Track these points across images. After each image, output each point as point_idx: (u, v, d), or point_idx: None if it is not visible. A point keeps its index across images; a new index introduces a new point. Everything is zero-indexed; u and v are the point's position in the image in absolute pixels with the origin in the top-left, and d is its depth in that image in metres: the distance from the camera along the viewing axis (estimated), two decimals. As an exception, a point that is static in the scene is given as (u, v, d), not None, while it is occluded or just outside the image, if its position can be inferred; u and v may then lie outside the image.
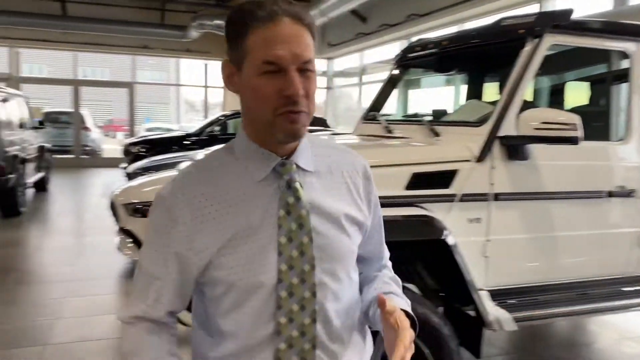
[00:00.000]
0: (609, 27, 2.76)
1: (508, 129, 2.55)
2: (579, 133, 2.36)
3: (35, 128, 9.34)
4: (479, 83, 3.44)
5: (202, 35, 14.00)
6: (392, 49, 12.44)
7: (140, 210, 5.11)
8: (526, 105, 2.56)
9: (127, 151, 10.37)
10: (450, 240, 2.29)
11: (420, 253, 2.60)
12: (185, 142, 10.65)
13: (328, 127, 11.10)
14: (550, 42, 2.61)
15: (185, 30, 14.11)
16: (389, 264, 1.30)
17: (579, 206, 2.73)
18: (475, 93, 3.40)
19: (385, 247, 1.29)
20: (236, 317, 1.01)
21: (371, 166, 2.41)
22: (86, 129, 15.79)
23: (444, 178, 2.48)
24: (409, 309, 1.11)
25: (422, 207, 2.42)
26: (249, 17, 0.94)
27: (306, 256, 1.00)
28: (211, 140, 10.43)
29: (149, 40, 14.90)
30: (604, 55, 2.89)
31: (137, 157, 9.73)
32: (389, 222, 2.25)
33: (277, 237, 0.99)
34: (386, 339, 1.02)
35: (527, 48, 2.61)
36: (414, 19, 9.89)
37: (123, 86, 15.62)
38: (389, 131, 3.33)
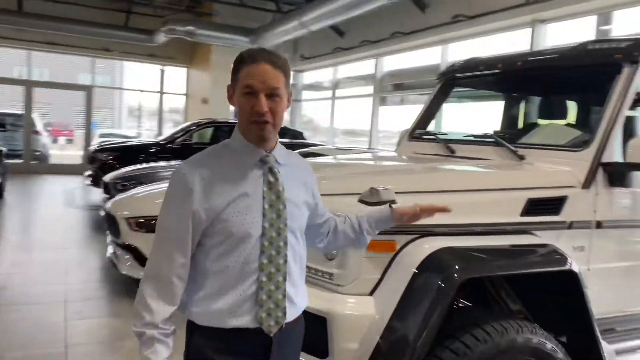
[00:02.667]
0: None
1: (609, 155, 2.49)
2: (695, 163, 2.33)
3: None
4: (547, 104, 3.39)
5: (169, 41, 13.52)
6: (366, 65, 12.50)
7: (145, 224, 4.75)
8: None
9: (92, 158, 9.71)
10: (575, 268, 2.17)
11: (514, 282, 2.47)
12: (153, 150, 10.13)
13: (305, 139, 10.95)
14: (647, 69, 2.59)
15: (151, 35, 13.56)
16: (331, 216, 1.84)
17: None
18: (544, 115, 3.35)
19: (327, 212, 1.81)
20: (226, 261, 1.44)
21: (484, 189, 2.27)
22: (37, 132, 14.77)
23: (555, 204, 2.37)
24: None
25: (536, 235, 2.30)
26: (242, 60, 1.46)
27: (281, 218, 1.48)
28: (184, 149, 9.98)
29: (110, 43, 14.22)
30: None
31: (104, 165, 9.18)
32: (506, 252, 2.13)
33: (262, 204, 1.46)
34: (406, 216, 1.78)
35: (625, 74, 2.57)
36: (398, 36, 9.93)
37: (80, 89, 14.76)
38: (452, 151, 3.21)
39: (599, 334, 2.26)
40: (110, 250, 5.20)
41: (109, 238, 5.26)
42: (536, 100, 3.47)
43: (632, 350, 2.56)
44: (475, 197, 2.25)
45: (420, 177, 2.49)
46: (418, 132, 3.68)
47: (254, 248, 1.44)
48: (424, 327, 1.84)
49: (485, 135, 3.14)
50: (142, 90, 17.76)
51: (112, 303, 4.56)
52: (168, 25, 12.45)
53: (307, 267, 2.11)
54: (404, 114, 12.94)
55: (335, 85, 13.64)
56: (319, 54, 13.17)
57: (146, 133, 18.73)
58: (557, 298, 2.33)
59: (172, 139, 10.36)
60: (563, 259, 2.16)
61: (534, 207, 2.32)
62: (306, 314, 2.00)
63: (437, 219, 2.07)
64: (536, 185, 2.38)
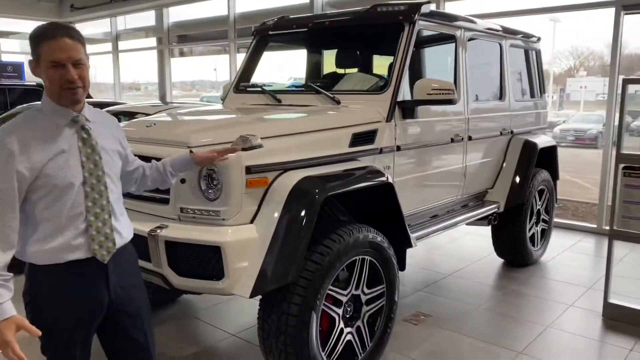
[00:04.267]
0: (448, 17, 3.76)
1: (401, 95, 3.31)
2: (456, 96, 3.26)
3: None
4: (348, 57, 4.09)
5: None
6: (148, 16, 12.08)
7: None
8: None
9: None
10: (390, 181, 2.94)
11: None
12: None
13: (90, 97, 10.32)
14: (421, 27, 3.44)
15: None
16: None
17: (442, 150, 3.73)
18: (345, 65, 4.05)
19: (137, 158, 2.13)
20: (55, 208, 1.69)
21: (318, 130, 2.88)
22: None
23: (370, 136, 3.10)
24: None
25: (359, 161, 3.00)
26: (41, 36, 1.67)
27: (99, 167, 1.77)
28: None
29: None
30: (445, 37, 3.87)
31: None
32: (345, 175, 2.80)
33: (79, 157, 1.72)
34: (204, 159, 2.21)
35: (406, 31, 3.38)
36: (182, -13, 9.87)
37: None
38: (278, 100, 3.73)
39: (407, 227, 3.11)
40: None
41: None
42: (335, 53, 4.16)
43: (423, 237, 3.52)
44: (317, 136, 2.84)
45: (273, 123, 2.97)
46: (242, 85, 4.10)
47: (78, 195, 1.72)
48: (299, 239, 2.39)
49: (306, 85, 3.74)
50: None
51: None
52: None
53: (195, 209, 2.49)
54: (194, 66, 13.04)
55: (116, 38, 12.87)
56: (92, 4, 12.21)
57: None
58: (376, 204, 3.09)
59: None
60: (382, 175, 2.91)
61: (357, 139, 3.01)
62: (201, 246, 2.40)
63: (293, 155, 2.63)
64: (356, 123, 3.06)
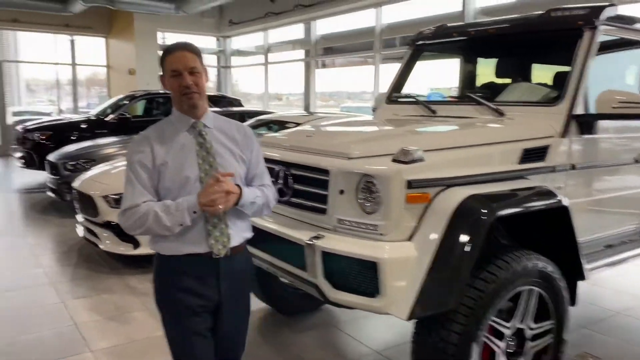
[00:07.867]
0: (637, 21, 3.30)
1: (578, 107, 2.95)
2: (646, 110, 2.83)
3: None
4: (511, 66, 3.80)
5: (86, 10, 12.78)
6: (296, 29, 12.60)
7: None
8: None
9: (24, 139, 9.22)
10: (566, 204, 2.61)
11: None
12: (86, 127, 9.72)
13: (242, 106, 10.96)
14: (603, 33, 3.04)
15: (66, 4, 12.74)
16: (269, 185, 2.17)
17: (624, 171, 3.27)
18: (506, 75, 3.76)
19: (267, 175, 2.17)
20: (178, 196, 1.88)
21: (484, 144, 2.62)
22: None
23: (541, 152, 2.80)
24: (253, 192, 2.03)
25: (529, 179, 2.72)
26: (165, 53, 1.94)
27: (213, 167, 1.93)
28: (121, 124, 9.67)
29: (19, 13, 13.20)
30: (629, 43, 3.41)
31: (37, 145, 8.87)
32: (512, 195, 2.52)
33: (196, 159, 1.92)
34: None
35: (586, 38, 3.01)
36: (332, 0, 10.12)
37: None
38: (433, 111, 3.56)
39: (582, 257, 2.74)
40: (81, 229, 5.16)
41: (81, 217, 5.21)
42: (491, 61, 3.87)
43: (599, 267, 3.09)
44: (483, 151, 2.62)
45: (435, 136, 2.82)
46: (395, 95, 4.00)
47: (193, 192, 1.88)
48: (463, 263, 2.20)
49: (464, 96, 3.52)
50: (57, 63, 16.48)
51: (100, 280, 4.59)
52: (88, -8, 11.76)
53: (353, 221, 2.41)
54: (340, 77, 13.36)
55: (268, 50, 13.61)
56: (248, 19, 13.06)
57: (52, 108, 17.55)
58: (543, 229, 2.76)
59: (104, 114, 9.98)
60: (555, 196, 2.59)
61: (527, 155, 2.73)
62: (358, 260, 2.31)
63: (457, 171, 2.45)
64: (527, 137, 2.78)
